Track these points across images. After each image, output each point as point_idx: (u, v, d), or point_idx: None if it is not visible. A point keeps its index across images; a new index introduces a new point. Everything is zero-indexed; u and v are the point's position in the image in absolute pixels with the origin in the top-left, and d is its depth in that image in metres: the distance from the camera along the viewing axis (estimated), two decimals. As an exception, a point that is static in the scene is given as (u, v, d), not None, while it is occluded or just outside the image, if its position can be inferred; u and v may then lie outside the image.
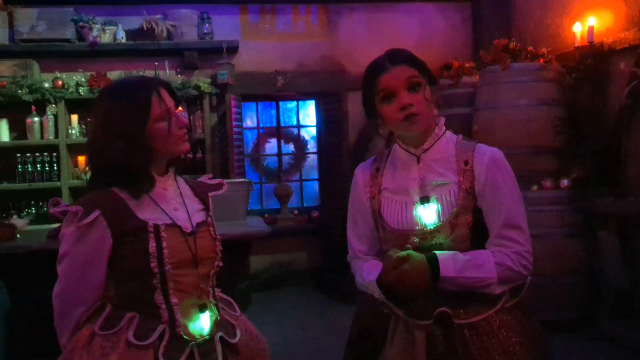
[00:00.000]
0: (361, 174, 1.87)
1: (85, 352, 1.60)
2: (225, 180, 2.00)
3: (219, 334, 1.70)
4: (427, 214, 1.68)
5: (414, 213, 1.70)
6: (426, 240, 1.69)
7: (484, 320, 1.65)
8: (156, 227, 1.63)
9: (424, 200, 1.67)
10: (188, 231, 1.70)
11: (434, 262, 1.60)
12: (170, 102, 1.69)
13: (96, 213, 1.59)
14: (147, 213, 1.66)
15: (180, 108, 1.76)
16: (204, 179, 1.95)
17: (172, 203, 1.73)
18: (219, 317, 1.75)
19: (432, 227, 1.68)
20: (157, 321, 1.63)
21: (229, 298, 1.91)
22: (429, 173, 1.73)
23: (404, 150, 1.78)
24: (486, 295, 1.66)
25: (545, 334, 1.78)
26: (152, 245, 1.61)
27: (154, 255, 1.61)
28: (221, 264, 1.80)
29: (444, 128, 1.77)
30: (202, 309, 1.67)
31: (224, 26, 5.66)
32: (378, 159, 1.88)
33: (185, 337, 1.64)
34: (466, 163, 1.70)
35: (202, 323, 1.67)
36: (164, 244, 1.63)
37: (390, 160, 1.84)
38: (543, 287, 4.16)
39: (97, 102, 1.72)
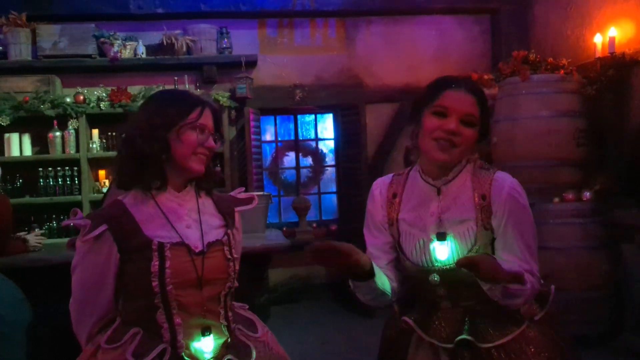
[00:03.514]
0: (379, 194, 1.83)
1: None
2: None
3: (228, 357, 1.64)
4: (441, 251, 1.64)
5: (430, 247, 1.66)
6: (448, 275, 1.66)
7: (512, 340, 1.62)
8: (161, 246, 1.61)
9: (440, 236, 1.62)
10: (197, 251, 1.66)
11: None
12: (210, 123, 1.69)
13: (103, 227, 1.60)
14: (154, 230, 1.64)
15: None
16: (235, 193, 1.91)
17: (185, 220, 1.70)
18: (229, 339, 1.70)
19: (446, 264, 1.65)
20: (159, 340, 1.61)
21: (252, 317, 1.86)
22: (448, 209, 1.69)
23: (423, 181, 1.74)
24: (511, 316, 1.64)
25: (577, 349, 1.75)
26: (155, 264, 1.59)
27: (155, 274, 1.59)
28: (236, 284, 1.75)
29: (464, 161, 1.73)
30: (205, 331, 1.63)
31: (243, 40, 5.69)
32: (395, 181, 1.83)
33: (187, 358, 1.61)
34: (484, 197, 1.65)
35: (205, 346, 1.63)
36: (167, 264, 1.60)
37: (409, 186, 1.79)
38: (566, 301, 4.08)
39: (142, 104, 1.76)
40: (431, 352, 1.65)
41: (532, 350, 1.61)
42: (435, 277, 1.67)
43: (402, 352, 1.73)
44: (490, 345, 1.60)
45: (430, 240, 1.66)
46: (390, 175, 1.87)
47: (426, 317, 1.69)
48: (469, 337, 1.59)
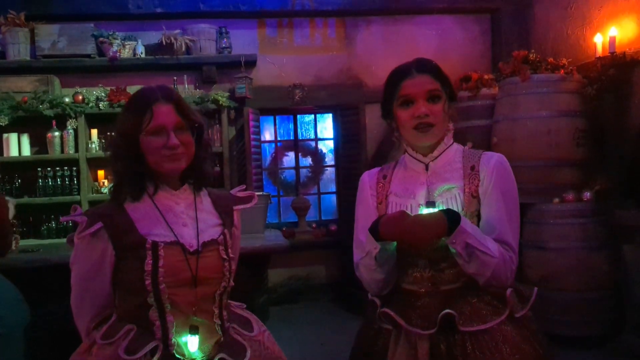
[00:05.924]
0: (368, 179, 1.92)
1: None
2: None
3: (220, 355, 1.64)
4: None
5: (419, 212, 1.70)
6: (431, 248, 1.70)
7: (488, 334, 1.63)
8: (154, 245, 1.61)
9: (430, 204, 1.68)
10: (192, 249, 1.66)
11: (453, 214, 1.61)
12: (168, 118, 1.63)
13: (98, 225, 1.61)
14: (150, 228, 1.64)
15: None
16: (235, 191, 1.91)
17: (182, 218, 1.69)
18: (222, 339, 1.69)
19: None
20: (151, 337, 1.62)
21: (249, 316, 1.86)
22: (436, 179, 1.77)
23: (412, 158, 1.82)
24: (491, 305, 1.67)
25: (554, 355, 1.76)
26: (149, 262, 1.60)
27: (148, 273, 1.59)
28: (231, 283, 1.74)
29: (452, 139, 1.83)
30: (192, 330, 1.62)
31: (242, 40, 5.69)
32: (384, 168, 1.92)
33: (178, 356, 1.61)
34: (472, 168, 1.75)
35: (190, 345, 1.62)
36: (161, 263, 1.60)
37: (398, 168, 1.89)
38: (566, 302, 4.09)
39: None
40: (409, 347, 1.67)
41: (508, 350, 1.62)
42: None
43: (379, 354, 1.75)
44: (468, 329, 1.63)
45: (419, 206, 1.72)
46: (378, 167, 1.96)
47: (406, 307, 1.73)
48: (452, 312, 1.62)
